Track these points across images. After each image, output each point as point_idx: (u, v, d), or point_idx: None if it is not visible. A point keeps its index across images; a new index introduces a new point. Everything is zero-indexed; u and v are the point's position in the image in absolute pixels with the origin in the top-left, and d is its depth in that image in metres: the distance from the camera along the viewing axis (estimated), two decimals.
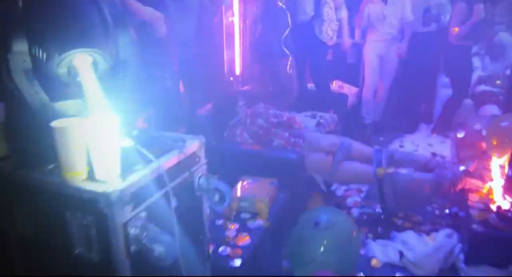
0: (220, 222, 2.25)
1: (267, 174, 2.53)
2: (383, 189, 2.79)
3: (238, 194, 2.33)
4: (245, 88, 3.73)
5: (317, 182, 2.90)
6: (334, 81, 4.60)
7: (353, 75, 4.57)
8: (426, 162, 2.90)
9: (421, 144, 3.92)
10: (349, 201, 3.20)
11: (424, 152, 3.70)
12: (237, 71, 4.44)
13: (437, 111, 4.31)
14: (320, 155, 2.87)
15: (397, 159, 2.93)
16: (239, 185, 2.43)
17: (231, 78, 4.41)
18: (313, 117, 3.43)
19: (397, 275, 2.35)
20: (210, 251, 1.74)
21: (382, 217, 2.90)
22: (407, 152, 3.18)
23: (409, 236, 2.49)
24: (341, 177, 2.89)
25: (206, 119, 2.97)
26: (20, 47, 1.11)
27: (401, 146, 3.95)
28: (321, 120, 3.35)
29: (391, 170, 2.80)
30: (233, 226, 2.18)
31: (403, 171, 2.81)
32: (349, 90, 4.43)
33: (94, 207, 1.06)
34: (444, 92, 4.24)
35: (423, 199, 2.82)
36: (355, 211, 3.05)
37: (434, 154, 3.54)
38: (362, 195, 3.24)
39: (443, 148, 3.76)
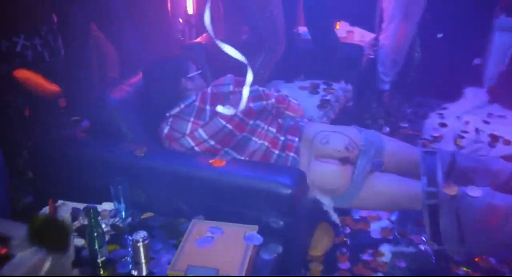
0: None
1: (239, 216, 1.54)
2: (440, 222, 1.73)
3: (183, 265, 1.22)
4: (201, 39, 2.46)
5: (325, 209, 1.78)
6: (338, 23, 3.32)
7: (367, 12, 3.29)
8: (510, 174, 1.78)
9: (472, 120, 2.76)
10: (374, 227, 2.10)
11: (481, 135, 2.55)
12: (190, 9, 3.13)
13: (493, 67, 3.10)
14: (330, 165, 1.73)
15: (462, 167, 1.79)
16: (188, 241, 1.31)
17: (181, 21, 3.10)
18: (314, 90, 2.21)
19: None
20: None
21: (434, 261, 1.89)
22: (478, 157, 1.99)
23: None
24: (366, 201, 1.80)
25: (125, 107, 1.76)
26: None
27: (443, 125, 2.78)
28: (328, 96, 2.14)
29: (455, 190, 1.68)
30: None
31: (476, 192, 1.69)
32: (360, 37, 3.16)
33: None
34: (505, 38, 2.99)
35: (504, 235, 1.72)
36: (386, 249, 1.96)
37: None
38: (393, 216, 2.15)
39: (507, 128, 2.61)
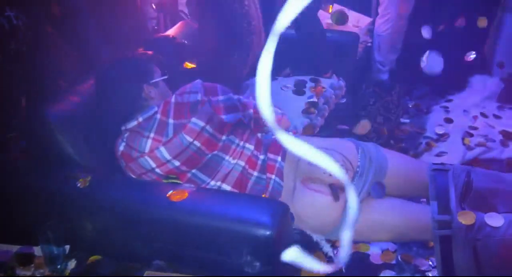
0: None
1: (208, 262, 1.28)
2: (453, 256, 1.42)
3: None
4: (173, 31, 2.09)
5: (317, 242, 1.47)
6: (331, 6, 2.94)
7: None
8: None
9: (481, 114, 2.42)
10: (374, 250, 1.82)
11: (492, 132, 2.22)
12: None
13: (504, 52, 2.75)
14: (319, 196, 1.42)
15: (480, 188, 1.47)
16: None
17: (153, 7, 2.70)
18: (299, 90, 1.86)
19: None
20: None
21: None
22: (498, 175, 1.64)
23: None
24: (364, 233, 1.49)
25: (70, 123, 1.44)
26: None
27: (449, 121, 2.44)
28: (314, 98, 1.80)
29: (471, 218, 1.38)
30: None
31: (497, 220, 1.38)
32: (355, 22, 2.79)
33: None
34: None
35: None
36: None
37: None
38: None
39: None
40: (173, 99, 1.49)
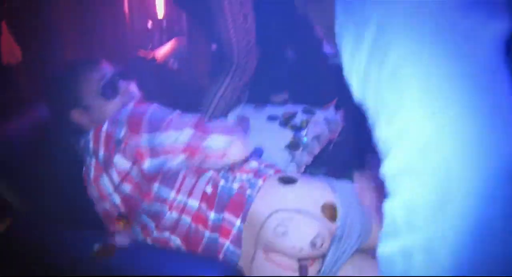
0: None
1: None
2: None
3: None
4: (160, 51, 1.87)
5: None
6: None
7: None
8: None
9: None
10: None
11: None
12: (160, 13, 2.59)
13: None
14: (284, 272, 1.12)
15: None
16: None
17: (150, 25, 2.50)
18: (288, 121, 1.59)
19: None
20: None
21: None
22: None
23: None
24: None
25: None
26: None
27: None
28: (304, 131, 1.53)
29: None
30: None
31: None
32: None
33: None
34: None
35: None
36: None
37: None
38: None
39: None
40: (104, 127, 1.21)
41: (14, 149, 1.25)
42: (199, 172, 1.20)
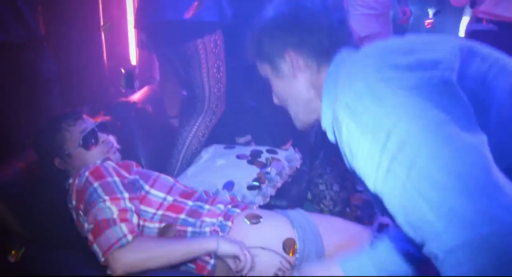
0: None
1: None
2: None
3: None
4: (133, 98, 2.11)
5: None
6: None
7: None
8: None
9: None
10: None
11: None
12: (133, 59, 2.83)
13: None
14: None
15: None
16: None
17: (123, 71, 2.74)
18: (254, 159, 1.87)
19: None
20: None
21: None
22: None
23: None
24: None
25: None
26: None
27: None
28: (268, 168, 1.82)
29: None
30: None
31: None
32: None
33: None
34: None
35: None
36: None
37: None
38: None
39: None
40: (76, 180, 1.38)
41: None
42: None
